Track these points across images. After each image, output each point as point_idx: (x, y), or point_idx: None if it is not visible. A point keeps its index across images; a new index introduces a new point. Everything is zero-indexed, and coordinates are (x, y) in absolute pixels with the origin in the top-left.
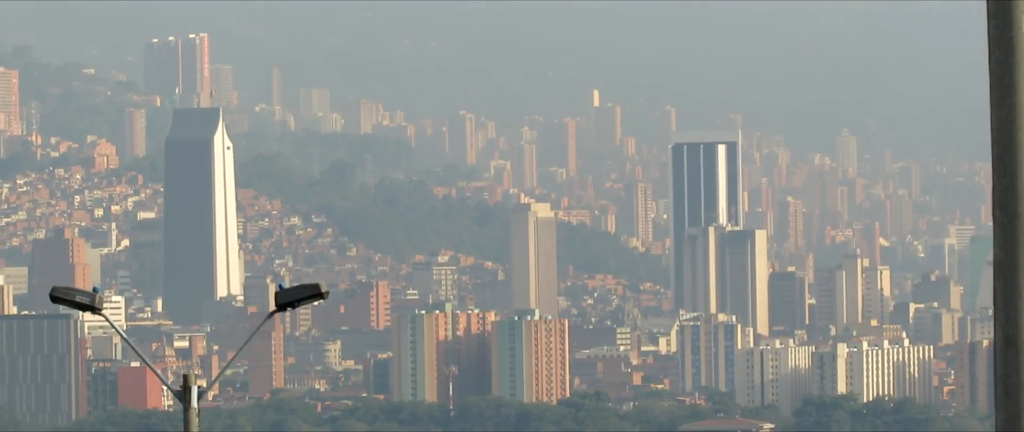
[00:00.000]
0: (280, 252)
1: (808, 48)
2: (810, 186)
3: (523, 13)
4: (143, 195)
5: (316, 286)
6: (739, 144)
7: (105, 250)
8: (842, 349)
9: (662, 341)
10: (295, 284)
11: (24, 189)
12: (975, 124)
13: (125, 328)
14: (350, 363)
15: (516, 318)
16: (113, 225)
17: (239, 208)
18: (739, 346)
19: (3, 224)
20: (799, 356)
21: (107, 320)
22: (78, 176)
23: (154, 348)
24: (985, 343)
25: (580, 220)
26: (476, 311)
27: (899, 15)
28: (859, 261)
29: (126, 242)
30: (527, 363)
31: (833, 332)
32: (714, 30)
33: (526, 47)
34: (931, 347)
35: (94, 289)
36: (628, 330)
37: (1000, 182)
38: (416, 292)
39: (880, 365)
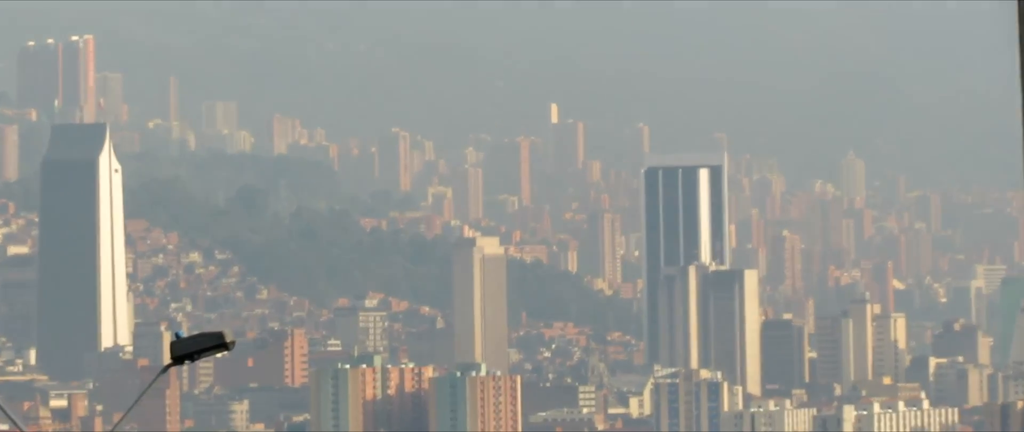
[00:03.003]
0: (177, 294)
1: (806, 54)
2: (810, 218)
3: (468, 13)
4: (14, 226)
5: (220, 335)
6: (725, 168)
7: None
8: (849, 412)
9: (633, 402)
10: (194, 332)
11: None
12: (1006, 144)
13: None
14: (260, 427)
15: (458, 374)
16: None
17: (129, 242)
18: (726, 408)
19: None
20: (798, 420)
21: None
22: None
23: (26, 408)
24: (1020, 404)
25: (535, 257)
26: (411, 365)
27: (914, 15)
28: (869, 307)
29: None
30: (471, 427)
31: (838, 392)
32: (694, 33)
33: (471, 52)
34: (955, 409)
35: None
36: (593, 389)
37: None
38: (339, 342)
39: (895, 431)
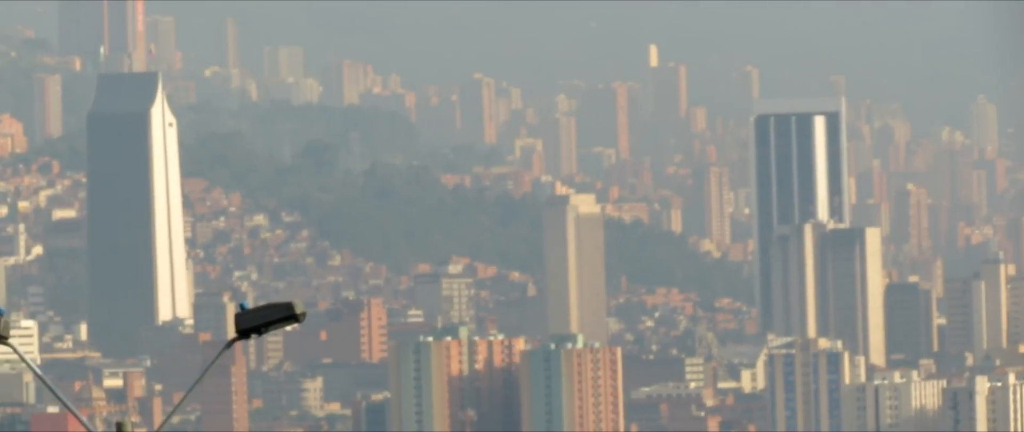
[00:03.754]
0: (241, 261)
1: None
2: (937, 170)
3: None
4: (59, 187)
5: (289, 305)
6: (842, 115)
7: (11, 260)
8: (982, 384)
9: (745, 375)
10: (261, 303)
11: None
12: None
13: (39, 363)
14: (335, 406)
15: (552, 346)
16: (21, 227)
17: (186, 204)
18: (847, 380)
19: None
20: (925, 393)
21: (16, 352)
22: None
23: (78, 388)
24: None
25: (635, 216)
26: (500, 337)
27: None
28: (1003, 268)
29: (38, 249)
30: (568, 405)
31: (969, 361)
32: None
33: None
34: None
35: None
36: (700, 361)
37: None
38: (420, 313)
39: None
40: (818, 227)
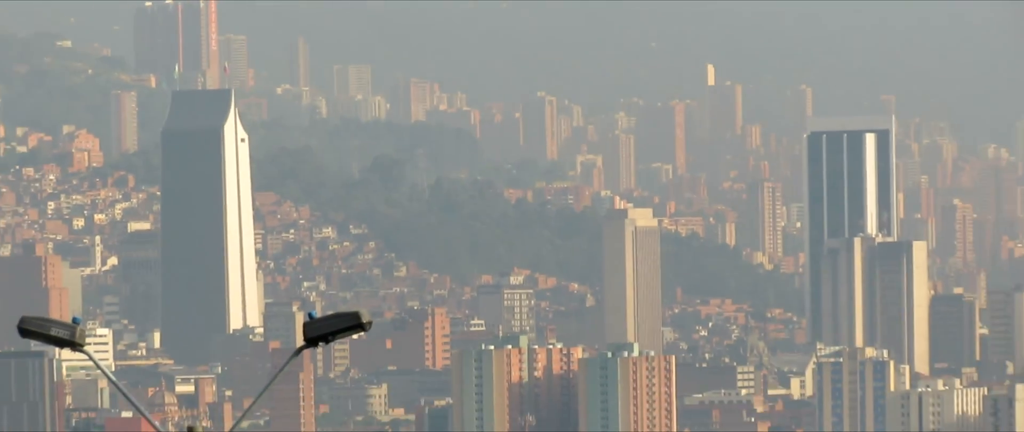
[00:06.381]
0: (309, 272)
1: (981, 9)
2: (982, 186)
3: None
4: (134, 201)
5: (356, 315)
6: (892, 132)
7: (87, 270)
8: (1022, 391)
9: (795, 383)
10: (328, 312)
11: None
12: None
13: (113, 369)
14: (399, 412)
15: (610, 355)
16: (97, 239)
17: (257, 216)
18: (892, 388)
19: None
20: (968, 400)
21: (91, 359)
22: (52, 177)
23: (151, 394)
24: None
25: (691, 230)
26: (559, 346)
27: None
28: None
29: (114, 260)
30: (623, 411)
31: (1011, 370)
32: None
33: (621, 9)
34: None
35: (74, 320)
36: (752, 369)
37: None
38: (482, 322)
39: None
40: (867, 241)
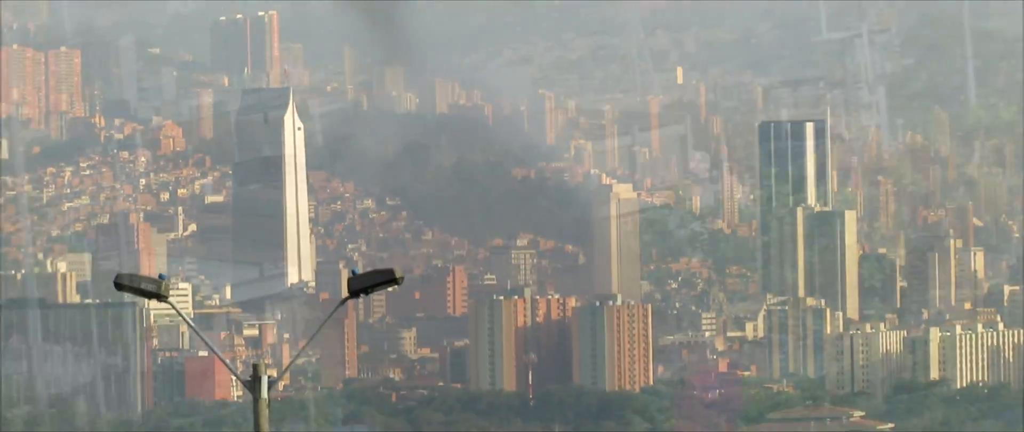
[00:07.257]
0: (353, 236)
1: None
2: (902, 164)
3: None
4: (210, 178)
5: (390, 271)
6: (828, 122)
7: (171, 235)
8: (935, 333)
9: (749, 326)
10: (368, 269)
11: (87, 173)
12: None
13: (192, 316)
14: (426, 351)
15: (598, 304)
16: (179, 209)
17: (311, 191)
18: (829, 331)
19: (66, 209)
20: (890, 340)
21: (174, 308)
22: (143, 159)
23: (222, 337)
24: None
25: (664, 201)
26: (556, 296)
27: None
28: (952, 242)
29: (193, 227)
30: (609, 350)
31: (925, 316)
32: None
33: (610, 24)
34: None
35: (160, 276)
36: (714, 315)
37: None
38: (494, 277)
39: (974, 349)
40: (807, 210)
